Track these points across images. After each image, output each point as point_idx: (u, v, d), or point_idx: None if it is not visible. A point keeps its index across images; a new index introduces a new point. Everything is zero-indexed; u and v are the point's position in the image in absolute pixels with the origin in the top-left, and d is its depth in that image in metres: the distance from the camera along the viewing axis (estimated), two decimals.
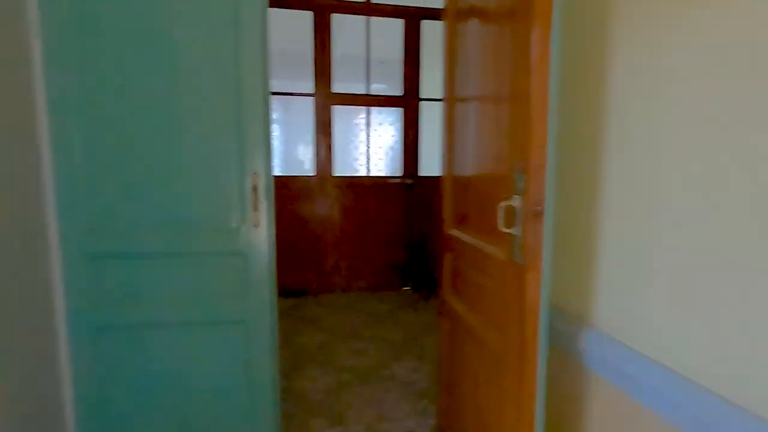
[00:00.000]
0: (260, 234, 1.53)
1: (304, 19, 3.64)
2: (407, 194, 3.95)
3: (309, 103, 3.79)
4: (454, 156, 1.61)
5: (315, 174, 3.82)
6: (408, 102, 3.90)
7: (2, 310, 1.13)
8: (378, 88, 4.17)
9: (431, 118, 4.20)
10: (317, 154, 3.82)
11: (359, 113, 5.43)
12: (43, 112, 1.32)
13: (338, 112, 3.84)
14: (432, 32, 3.87)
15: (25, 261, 1.26)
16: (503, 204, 1.06)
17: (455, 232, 1.57)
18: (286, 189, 3.70)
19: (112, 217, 1.44)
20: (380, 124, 4.97)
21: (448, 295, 1.66)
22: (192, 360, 1.55)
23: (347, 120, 5.45)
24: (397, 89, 3.96)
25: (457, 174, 1.58)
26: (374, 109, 4.38)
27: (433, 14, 3.80)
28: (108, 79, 1.39)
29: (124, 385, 1.51)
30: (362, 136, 5.39)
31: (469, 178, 1.46)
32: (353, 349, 2.75)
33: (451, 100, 1.62)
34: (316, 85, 3.72)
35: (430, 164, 4.36)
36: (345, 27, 3.84)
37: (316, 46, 3.67)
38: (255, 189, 1.50)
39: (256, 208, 1.51)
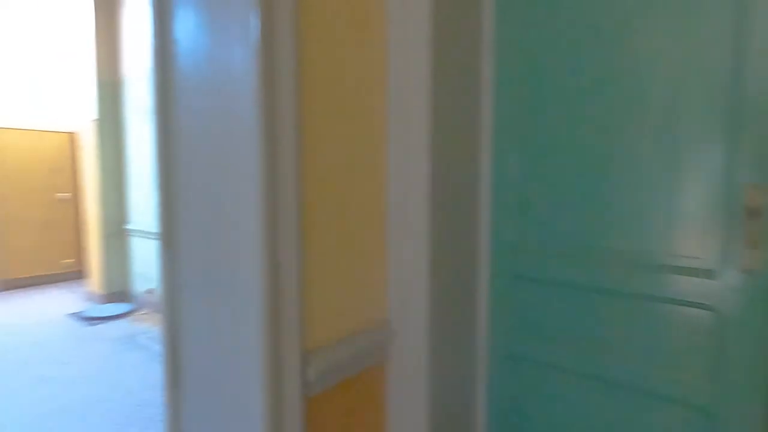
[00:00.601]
0: (754, 283, 0.95)
1: None
2: None
3: None
4: None
5: None
6: None
7: (447, 324, 1.14)
8: None
9: None
10: None
11: None
12: (488, 124, 1.30)
13: None
14: None
15: (464, 276, 1.26)
16: None
17: None
18: None
19: (540, 238, 1.27)
20: None
21: None
22: None
23: None
24: None
25: None
26: None
27: None
28: (552, 88, 1.22)
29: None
30: None
31: None
32: None
33: None
34: None
35: None
36: None
37: None
38: (752, 214, 0.94)
39: (753, 244, 0.95)
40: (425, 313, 1.11)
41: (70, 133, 5.69)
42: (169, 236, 0.96)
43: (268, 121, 0.79)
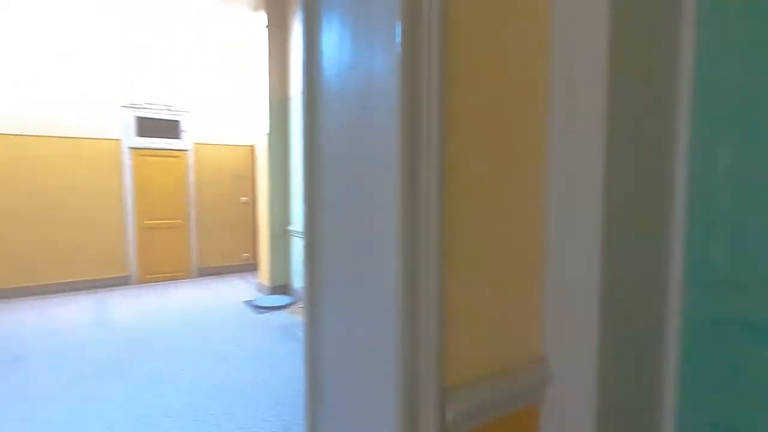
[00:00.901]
0: None
1: None
2: None
3: None
4: None
5: None
6: None
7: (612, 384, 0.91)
8: None
9: None
10: None
11: None
12: (686, 102, 1.00)
13: None
14: None
15: (647, 315, 1.00)
16: None
17: None
18: None
19: (764, 269, 0.93)
20: None
21: None
22: None
23: None
24: None
25: None
26: None
27: None
28: None
29: None
30: None
31: None
32: None
33: None
34: None
35: None
36: None
37: None
38: None
39: None
40: (593, 357, 0.89)
41: (251, 146, 6.71)
42: (312, 242, 0.95)
43: (408, 130, 0.71)
